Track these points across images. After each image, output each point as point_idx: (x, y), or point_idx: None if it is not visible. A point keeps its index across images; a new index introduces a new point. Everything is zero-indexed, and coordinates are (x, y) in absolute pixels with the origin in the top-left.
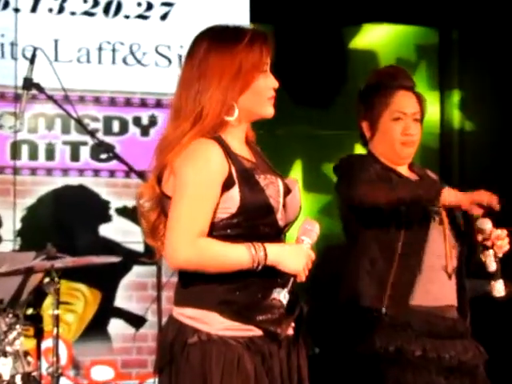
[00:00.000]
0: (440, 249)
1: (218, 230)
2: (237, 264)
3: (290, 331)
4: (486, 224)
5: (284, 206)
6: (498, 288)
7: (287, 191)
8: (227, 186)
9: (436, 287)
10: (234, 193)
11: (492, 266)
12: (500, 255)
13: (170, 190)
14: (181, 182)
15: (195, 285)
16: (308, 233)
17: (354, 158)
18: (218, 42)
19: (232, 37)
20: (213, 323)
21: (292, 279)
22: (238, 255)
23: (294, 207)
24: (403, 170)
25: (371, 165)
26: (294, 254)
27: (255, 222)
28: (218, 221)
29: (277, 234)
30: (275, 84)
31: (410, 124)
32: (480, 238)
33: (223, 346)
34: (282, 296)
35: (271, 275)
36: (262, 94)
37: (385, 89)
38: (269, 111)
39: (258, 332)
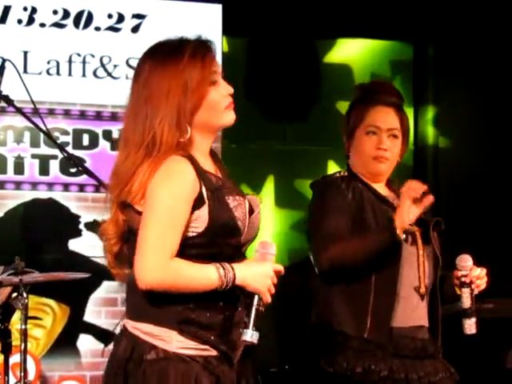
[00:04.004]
0: (413, 269)
1: (185, 250)
2: (207, 285)
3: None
4: (467, 261)
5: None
6: (470, 326)
7: (251, 210)
8: (197, 205)
9: (408, 308)
10: (204, 212)
11: (467, 303)
12: (476, 293)
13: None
14: (153, 203)
15: (155, 301)
16: (265, 256)
17: (326, 187)
18: (159, 60)
19: (172, 53)
20: (171, 341)
21: (257, 309)
22: (207, 276)
23: (256, 227)
24: (381, 187)
25: (343, 194)
26: (259, 275)
27: (221, 242)
28: (184, 240)
29: (238, 255)
30: (230, 90)
31: (384, 139)
32: (459, 273)
33: (181, 363)
34: (253, 337)
35: (232, 295)
36: (216, 106)
37: (363, 103)
38: (228, 119)
39: (213, 352)
